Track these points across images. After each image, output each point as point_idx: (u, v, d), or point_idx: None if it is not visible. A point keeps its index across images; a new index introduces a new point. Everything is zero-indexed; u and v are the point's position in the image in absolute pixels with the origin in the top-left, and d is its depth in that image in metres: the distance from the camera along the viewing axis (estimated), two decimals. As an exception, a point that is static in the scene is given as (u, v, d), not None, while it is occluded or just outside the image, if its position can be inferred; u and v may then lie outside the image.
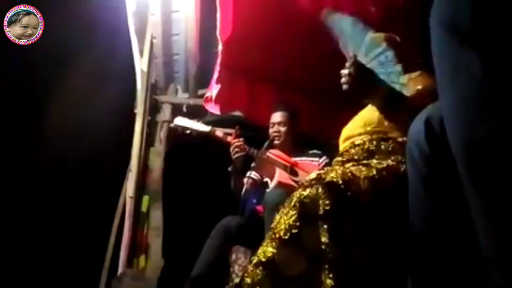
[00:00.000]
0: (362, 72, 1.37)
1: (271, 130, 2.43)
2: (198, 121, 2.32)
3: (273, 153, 2.29)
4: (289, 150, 2.37)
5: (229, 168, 2.25)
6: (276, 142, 2.38)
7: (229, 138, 2.21)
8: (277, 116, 2.43)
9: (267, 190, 2.34)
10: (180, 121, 2.30)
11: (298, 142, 2.47)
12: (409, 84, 1.52)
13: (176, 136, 3.37)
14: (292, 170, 2.26)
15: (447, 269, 0.87)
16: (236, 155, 2.17)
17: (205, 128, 2.24)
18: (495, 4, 0.64)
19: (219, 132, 2.27)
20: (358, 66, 1.37)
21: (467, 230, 0.77)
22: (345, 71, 1.36)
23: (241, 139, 2.18)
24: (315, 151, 2.42)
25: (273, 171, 2.20)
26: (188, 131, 2.26)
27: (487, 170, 0.64)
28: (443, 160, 0.86)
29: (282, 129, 2.40)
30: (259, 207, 2.25)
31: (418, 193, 0.93)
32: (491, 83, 0.63)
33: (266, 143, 2.31)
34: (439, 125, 0.86)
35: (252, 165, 2.45)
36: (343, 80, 1.36)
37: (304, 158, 2.37)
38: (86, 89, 3.70)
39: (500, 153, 0.63)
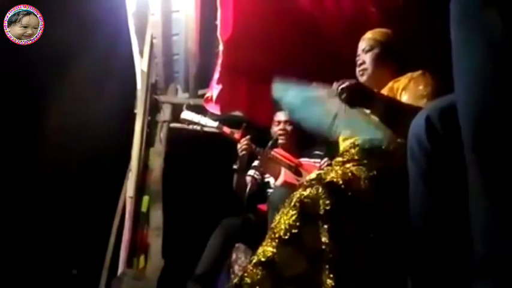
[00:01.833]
0: (357, 88, 1.36)
1: (276, 128, 2.40)
2: (205, 116, 2.31)
3: (278, 153, 2.28)
4: (293, 150, 2.36)
5: (234, 166, 2.24)
6: (281, 141, 2.36)
7: (236, 135, 2.20)
8: (282, 114, 2.41)
9: (270, 190, 2.33)
10: (188, 115, 2.28)
11: (300, 142, 2.46)
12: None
13: (176, 136, 3.38)
14: (296, 171, 2.25)
15: (447, 266, 0.87)
16: (243, 153, 2.16)
17: (213, 124, 2.22)
18: None
19: (227, 128, 2.25)
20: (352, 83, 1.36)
21: (468, 225, 0.77)
22: (360, 59, 1.34)
23: (248, 137, 2.18)
24: (317, 152, 2.41)
25: (278, 171, 2.19)
26: (195, 126, 2.24)
27: (495, 149, 0.61)
28: (443, 156, 0.86)
29: (289, 127, 2.38)
30: (263, 206, 2.24)
31: (419, 189, 0.93)
32: (511, 52, 0.59)
33: (270, 142, 2.29)
34: (439, 121, 0.86)
35: (254, 164, 2.44)
36: (361, 67, 1.37)
37: (306, 159, 2.36)
38: (86, 89, 3.70)
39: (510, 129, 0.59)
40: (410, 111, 1.28)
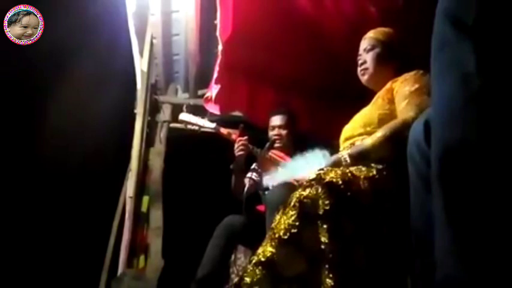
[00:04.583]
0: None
1: (271, 133, 2.42)
2: (203, 118, 2.32)
3: (275, 154, 2.29)
4: (289, 152, 2.37)
5: (231, 166, 2.25)
6: (277, 145, 2.38)
7: (233, 136, 2.21)
8: (277, 119, 2.43)
9: (267, 191, 2.33)
10: (186, 117, 2.30)
11: (297, 144, 2.47)
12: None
13: (176, 136, 3.38)
14: None
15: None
16: (239, 153, 2.17)
17: (210, 125, 2.24)
18: (504, 4, 0.63)
19: (224, 129, 2.26)
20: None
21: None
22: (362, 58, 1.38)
23: (245, 137, 2.19)
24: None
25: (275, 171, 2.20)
26: (193, 127, 2.26)
27: (459, 179, 0.62)
28: None
29: (283, 132, 2.40)
30: (261, 207, 2.24)
31: (419, 193, 0.93)
32: (482, 83, 0.61)
33: (268, 144, 2.30)
34: None
35: (252, 167, 2.45)
36: (363, 66, 1.45)
37: None
38: (86, 89, 3.70)
39: (476, 160, 0.60)
40: (373, 149, 1.37)
